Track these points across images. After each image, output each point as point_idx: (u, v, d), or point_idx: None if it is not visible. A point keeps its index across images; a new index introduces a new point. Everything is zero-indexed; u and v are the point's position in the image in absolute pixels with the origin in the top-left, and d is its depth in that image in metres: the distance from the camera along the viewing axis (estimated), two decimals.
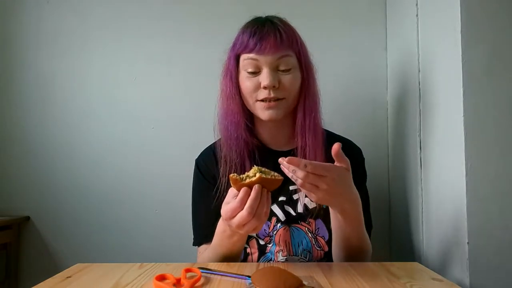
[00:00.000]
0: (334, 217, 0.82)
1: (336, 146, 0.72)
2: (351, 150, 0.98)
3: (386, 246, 1.34)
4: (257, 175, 0.68)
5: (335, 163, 0.73)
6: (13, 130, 1.39)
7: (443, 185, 0.93)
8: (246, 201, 0.68)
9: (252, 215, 0.67)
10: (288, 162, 0.68)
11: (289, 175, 0.70)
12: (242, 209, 0.68)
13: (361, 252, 0.86)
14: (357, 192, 0.78)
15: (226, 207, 0.70)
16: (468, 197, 0.81)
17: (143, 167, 1.38)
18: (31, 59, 1.40)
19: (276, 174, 0.71)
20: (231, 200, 0.71)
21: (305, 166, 0.67)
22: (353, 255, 0.85)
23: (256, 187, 0.68)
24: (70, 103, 1.40)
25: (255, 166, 0.70)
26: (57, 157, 1.39)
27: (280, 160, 0.70)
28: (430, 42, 1.02)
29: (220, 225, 0.81)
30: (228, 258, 0.84)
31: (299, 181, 0.69)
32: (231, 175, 0.70)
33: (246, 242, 0.90)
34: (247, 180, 0.69)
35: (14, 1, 1.41)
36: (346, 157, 0.74)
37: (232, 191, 0.73)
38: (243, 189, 0.69)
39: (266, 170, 0.70)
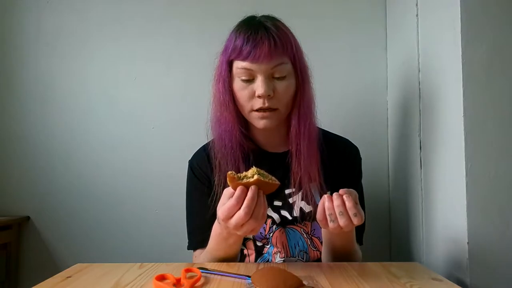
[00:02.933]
0: (326, 232, 0.83)
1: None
2: (348, 150, 0.98)
3: (386, 246, 1.34)
4: (255, 176, 0.67)
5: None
6: (13, 130, 1.39)
7: (443, 185, 0.93)
8: (243, 200, 0.66)
9: (250, 215, 0.66)
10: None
11: (337, 210, 0.70)
12: (239, 208, 0.66)
13: (350, 260, 0.86)
14: None
15: (223, 207, 0.69)
16: (468, 197, 0.81)
17: (143, 167, 1.38)
18: (31, 59, 1.40)
19: (273, 178, 0.70)
20: (227, 201, 0.69)
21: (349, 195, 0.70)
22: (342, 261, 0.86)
23: (253, 187, 0.67)
24: (70, 103, 1.40)
25: (254, 167, 0.69)
26: (57, 157, 1.39)
27: (326, 197, 0.71)
28: (430, 42, 1.02)
29: (216, 228, 0.80)
30: (224, 261, 0.83)
31: (343, 220, 0.69)
32: (229, 172, 0.68)
33: (242, 243, 0.90)
34: (245, 180, 0.68)
35: (14, 1, 1.41)
36: (353, 191, 0.74)
37: (227, 191, 0.71)
38: (239, 188, 0.67)
39: (265, 173, 0.69)
